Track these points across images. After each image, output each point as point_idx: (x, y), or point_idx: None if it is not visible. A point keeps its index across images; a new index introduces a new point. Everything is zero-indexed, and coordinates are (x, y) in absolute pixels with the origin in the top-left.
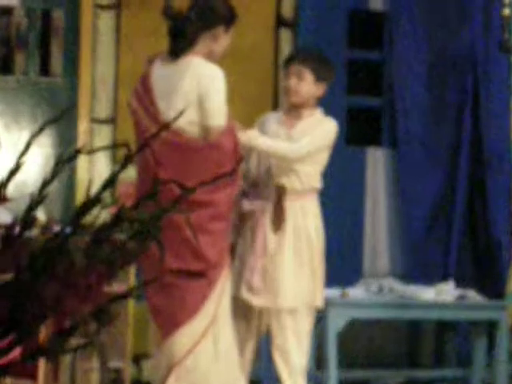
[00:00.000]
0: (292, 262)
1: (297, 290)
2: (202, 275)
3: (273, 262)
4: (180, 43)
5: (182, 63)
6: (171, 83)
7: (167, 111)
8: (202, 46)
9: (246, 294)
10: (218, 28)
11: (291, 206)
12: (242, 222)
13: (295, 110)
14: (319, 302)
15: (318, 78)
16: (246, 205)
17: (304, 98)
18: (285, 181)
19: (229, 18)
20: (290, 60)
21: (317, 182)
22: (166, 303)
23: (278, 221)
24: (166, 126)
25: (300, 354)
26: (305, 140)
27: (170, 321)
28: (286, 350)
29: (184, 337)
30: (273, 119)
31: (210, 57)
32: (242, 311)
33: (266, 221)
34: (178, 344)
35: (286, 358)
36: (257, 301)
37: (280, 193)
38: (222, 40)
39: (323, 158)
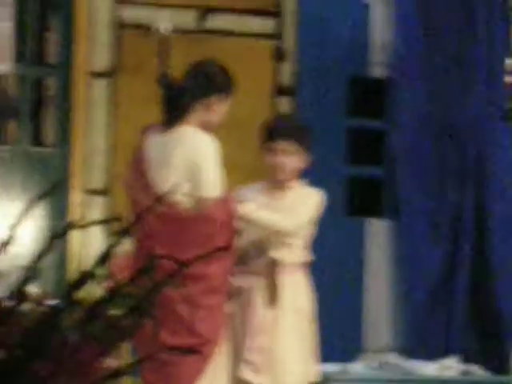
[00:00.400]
0: (292, 339)
1: (292, 368)
2: (196, 351)
3: (272, 339)
4: (173, 113)
5: (175, 133)
6: (164, 154)
7: (160, 183)
8: (197, 115)
9: (247, 375)
10: (214, 97)
11: (284, 279)
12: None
13: (280, 184)
14: (313, 379)
15: (303, 151)
16: (236, 281)
17: (291, 173)
18: (277, 254)
19: (225, 87)
20: (275, 135)
21: (307, 255)
22: (160, 380)
23: (273, 296)
24: (159, 200)
25: None
26: (301, 211)
27: None
28: None
29: None
30: (255, 191)
31: (205, 126)
32: None
33: (258, 297)
34: None
35: None
36: (259, 380)
37: (273, 267)
38: (218, 109)
39: (311, 231)
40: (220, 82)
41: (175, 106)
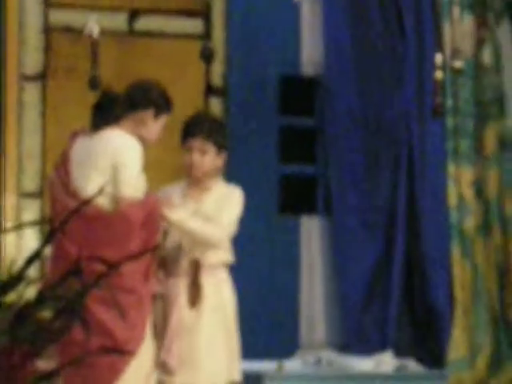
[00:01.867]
0: (209, 338)
1: (215, 367)
2: (112, 351)
3: (190, 338)
4: (104, 118)
5: (101, 136)
6: (88, 154)
7: (82, 182)
8: (127, 126)
9: (161, 376)
10: (147, 112)
11: (207, 280)
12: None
13: (199, 182)
14: (236, 377)
15: (220, 149)
16: (155, 286)
17: (208, 171)
18: (199, 256)
19: (160, 105)
20: (191, 133)
21: (230, 256)
22: (77, 381)
23: (195, 297)
24: (86, 203)
25: None
26: (226, 219)
27: None
28: None
29: None
30: (176, 193)
31: (140, 141)
32: None
33: (180, 298)
34: None
35: None
36: (175, 381)
37: (195, 268)
38: (150, 125)
39: (234, 231)
40: (156, 99)
41: (106, 113)
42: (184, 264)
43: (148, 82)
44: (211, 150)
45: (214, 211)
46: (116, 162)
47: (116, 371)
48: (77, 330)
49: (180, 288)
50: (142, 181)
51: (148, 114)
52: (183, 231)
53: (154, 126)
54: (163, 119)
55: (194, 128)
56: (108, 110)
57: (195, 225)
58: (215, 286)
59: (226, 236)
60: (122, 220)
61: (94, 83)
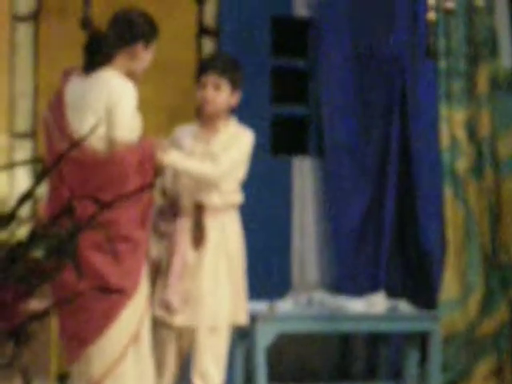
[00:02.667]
0: (212, 280)
1: (217, 308)
2: (106, 292)
3: (193, 279)
4: (96, 59)
5: (95, 77)
6: (83, 97)
7: (78, 125)
8: (120, 63)
9: (164, 315)
10: (137, 45)
11: (211, 222)
12: (161, 242)
13: (210, 123)
14: (243, 321)
15: (234, 87)
16: (163, 225)
17: (221, 108)
18: (204, 197)
19: (149, 35)
20: (206, 69)
21: (237, 198)
22: (73, 325)
23: (199, 238)
24: (76, 144)
25: (218, 373)
26: (225, 158)
27: (75, 342)
28: (205, 370)
29: (96, 357)
30: (187, 134)
31: (130, 75)
32: (160, 332)
33: (185, 239)
34: (92, 365)
35: (205, 379)
36: (176, 320)
37: (199, 210)
38: (142, 57)
39: (242, 173)
40: (143, 30)
41: (98, 53)
42: (188, 205)
43: (132, 14)
44: (226, 86)
45: (220, 151)
46: (110, 105)
47: (110, 316)
48: (69, 272)
49: (184, 229)
50: (136, 122)
51: (138, 47)
52: (180, 171)
53: (145, 56)
54: (153, 47)
55: (208, 64)
56: (99, 50)
57: (190, 164)
58: (220, 228)
59: (224, 175)
60: (117, 164)
61: (85, 23)
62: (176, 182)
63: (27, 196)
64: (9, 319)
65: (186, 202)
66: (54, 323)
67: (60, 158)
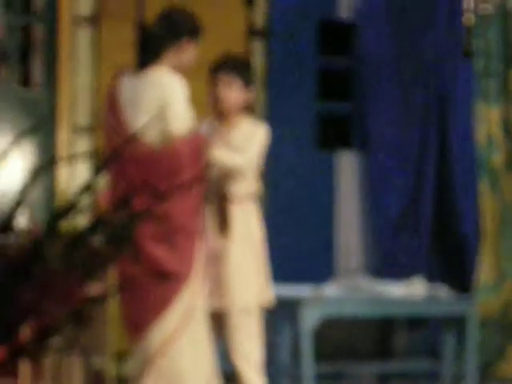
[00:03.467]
0: (239, 264)
1: (246, 291)
2: (164, 279)
3: (221, 264)
4: (146, 56)
5: (147, 75)
6: (136, 95)
7: (133, 122)
8: (168, 59)
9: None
10: (182, 40)
11: (235, 210)
12: None
13: (226, 119)
14: (269, 302)
15: (246, 84)
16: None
17: (233, 105)
18: (228, 187)
19: (192, 30)
20: (217, 68)
21: (255, 187)
22: (132, 308)
23: (224, 225)
24: (132, 139)
25: (257, 351)
26: (250, 148)
27: (136, 321)
28: (243, 350)
29: (154, 337)
30: (207, 128)
31: (178, 69)
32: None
33: (211, 227)
34: (150, 344)
35: (247, 358)
36: (208, 304)
37: (223, 199)
38: (188, 52)
39: (260, 164)
40: (187, 25)
41: (147, 50)
42: (213, 195)
43: (176, 11)
44: (237, 83)
45: (238, 146)
46: (163, 101)
47: (167, 301)
48: (128, 260)
49: (209, 217)
50: (189, 115)
51: (183, 42)
52: (214, 163)
53: (191, 51)
54: (198, 43)
55: (219, 64)
56: (149, 48)
57: (219, 154)
58: (243, 216)
59: (249, 165)
60: (173, 156)
61: (140, 25)
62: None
63: (87, 187)
64: (70, 302)
65: (211, 192)
66: (111, 306)
67: (117, 152)
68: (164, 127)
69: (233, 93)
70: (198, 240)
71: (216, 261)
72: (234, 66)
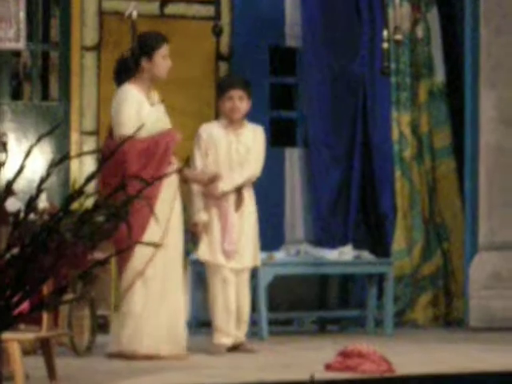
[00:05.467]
0: (249, 233)
1: (254, 253)
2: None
3: (238, 233)
4: (119, 79)
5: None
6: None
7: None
8: (141, 78)
9: (222, 261)
10: (146, 58)
11: (245, 192)
12: (209, 209)
13: (236, 122)
14: (259, 262)
15: (249, 98)
16: (210, 196)
17: (243, 114)
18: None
19: (151, 45)
20: (232, 86)
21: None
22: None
23: (239, 204)
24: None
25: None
26: (257, 157)
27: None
28: (245, 301)
29: (120, 286)
30: (217, 127)
31: (153, 79)
32: (223, 274)
33: (230, 204)
34: (122, 284)
35: (246, 306)
36: (231, 265)
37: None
38: (157, 64)
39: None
40: (145, 44)
41: (120, 75)
42: None
43: (142, 34)
44: (246, 97)
45: (247, 140)
46: (113, 111)
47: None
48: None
49: (229, 197)
50: (151, 117)
51: (147, 59)
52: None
53: (158, 61)
54: (161, 52)
55: (233, 82)
56: (122, 72)
57: (242, 179)
58: (250, 196)
59: (261, 167)
60: (118, 152)
61: (133, 53)
62: (217, 164)
63: (91, 177)
64: (80, 266)
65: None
66: (112, 268)
67: (112, 152)
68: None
69: (244, 104)
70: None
71: (234, 229)
72: (244, 83)
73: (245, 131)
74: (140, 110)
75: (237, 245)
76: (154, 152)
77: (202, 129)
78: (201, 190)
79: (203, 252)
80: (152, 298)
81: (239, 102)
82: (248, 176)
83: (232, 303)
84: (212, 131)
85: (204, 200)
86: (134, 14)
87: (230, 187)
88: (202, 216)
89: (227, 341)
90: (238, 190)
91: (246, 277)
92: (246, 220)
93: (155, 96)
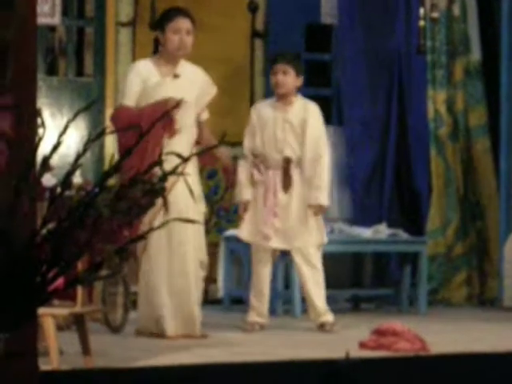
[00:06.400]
0: (298, 213)
1: (308, 232)
2: None
3: (284, 215)
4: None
5: None
6: None
7: None
8: (160, 53)
9: (261, 241)
10: (160, 33)
11: (295, 172)
12: (255, 188)
13: (284, 98)
14: (325, 240)
15: (298, 72)
16: (257, 175)
17: (289, 88)
18: (290, 153)
19: (161, 22)
20: (275, 60)
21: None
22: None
23: (287, 184)
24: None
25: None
26: (319, 141)
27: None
28: (305, 281)
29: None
30: (267, 106)
31: (169, 54)
32: (261, 255)
33: (277, 185)
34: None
35: (306, 286)
36: (271, 244)
37: (287, 163)
38: (167, 39)
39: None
40: (158, 21)
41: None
42: (279, 159)
43: (163, 11)
44: (291, 72)
45: (294, 119)
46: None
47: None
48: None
49: (276, 177)
50: (158, 89)
51: (161, 33)
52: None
53: (168, 36)
54: (172, 26)
55: (278, 56)
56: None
57: (327, 176)
58: (298, 176)
59: (324, 148)
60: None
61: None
62: (264, 144)
63: (128, 153)
64: (115, 242)
65: (275, 158)
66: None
67: (147, 130)
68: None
69: (288, 79)
70: None
71: (281, 210)
72: (288, 58)
73: (293, 108)
74: (146, 81)
75: (284, 225)
76: (138, 123)
77: (253, 108)
78: (246, 169)
79: (243, 231)
80: (156, 277)
81: (283, 76)
82: (325, 168)
83: (266, 284)
84: (261, 110)
85: (250, 180)
86: None
87: (326, 196)
88: (244, 195)
89: (260, 319)
90: (286, 171)
91: (306, 256)
92: (294, 200)
93: (182, 69)
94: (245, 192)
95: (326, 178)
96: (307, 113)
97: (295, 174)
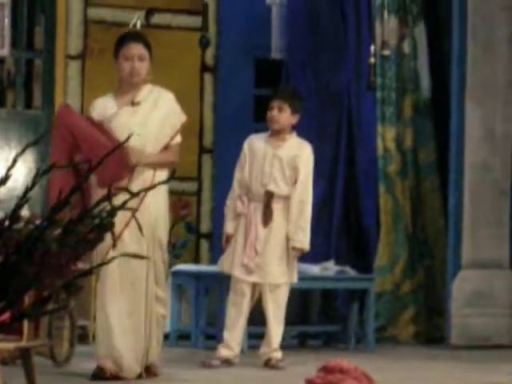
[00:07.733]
0: (276, 248)
1: (283, 269)
2: None
3: (263, 247)
4: None
5: None
6: None
7: None
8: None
9: (242, 274)
10: (115, 61)
11: (276, 206)
12: (237, 220)
13: (277, 134)
14: (295, 279)
15: (294, 110)
16: (240, 207)
17: (283, 125)
18: (272, 187)
19: (115, 49)
20: (273, 95)
21: (288, 190)
22: None
23: (267, 219)
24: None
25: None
26: (306, 183)
27: None
28: (269, 317)
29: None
30: (260, 139)
31: (121, 81)
32: (239, 287)
33: (257, 218)
34: None
35: (270, 322)
36: (251, 279)
37: (269, 197)
38: (119, 66)
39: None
40: (115, 44)
41: None
42: (260, 193)
43: None
44: (287, 109)
45: (289, 156)
46: None
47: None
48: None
49: (257, 211)
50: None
51: (116, 62)
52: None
53: (120, 62)
54: (123, 52)
55: (276, 91)
56: None
57: (306, 218)
58: (280, 211)
59: (310, 187)
60: None
61: None
62: (250, 177)
63: (77, 188)
64: (63, 276)
65: (259, 191)
66: (94, 278)
67: (103, 158)
68: None
69: (283, 116)
70: None
71: (261, 244)
72: (286, 95)
73: (286, 145)
74: (103, 115)
75: (262, 260)
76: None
77: (247, 140)
78: (233, 203)
79: (222, 263)
80: (109, 315)
81: (278, 112)
82: (309, 210)
83: (242, 317)
84: (254, 143)
85: (235, 212)
86: (138, 24)
87: (308, 239)
88: (227, 228)
89: (227, 353)
90: (267, 205)
91: (275, 293)
92: (273, 235)
93: (146, 96)
94: (229, 225)
95: (309, 220)
96: (301, 152)
97: (276, 208)
